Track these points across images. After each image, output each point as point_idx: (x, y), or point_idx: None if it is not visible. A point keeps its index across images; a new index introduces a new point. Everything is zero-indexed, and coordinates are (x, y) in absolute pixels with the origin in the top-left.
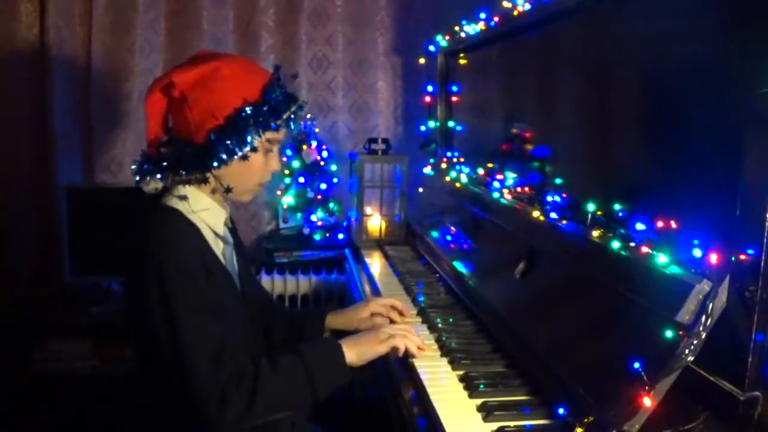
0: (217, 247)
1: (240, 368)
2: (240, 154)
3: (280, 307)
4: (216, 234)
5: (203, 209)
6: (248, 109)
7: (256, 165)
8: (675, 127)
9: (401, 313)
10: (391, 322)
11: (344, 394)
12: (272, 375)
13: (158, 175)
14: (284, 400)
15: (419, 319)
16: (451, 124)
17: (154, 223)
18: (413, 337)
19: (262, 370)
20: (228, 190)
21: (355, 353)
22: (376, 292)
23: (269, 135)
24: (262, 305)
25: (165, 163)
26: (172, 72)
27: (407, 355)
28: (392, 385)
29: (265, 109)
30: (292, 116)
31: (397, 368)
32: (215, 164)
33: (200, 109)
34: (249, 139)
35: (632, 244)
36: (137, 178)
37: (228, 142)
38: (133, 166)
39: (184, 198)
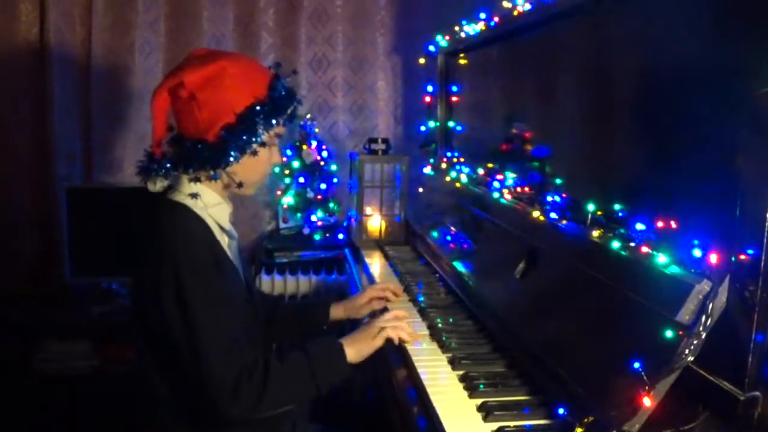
0: (223, 241)
1: (251, 363)
2: (251, 150)
3: (278, 299)
4: (222, 228)
5: (214, 205)
6: (257, 106)
7: (263, 159)
8: (675, 127)
9: (395, 294)
10: (384, 311)
11: (344, 395)
12: (280, 371)
13: (164, 174)
14: (290, 395)
15: (419, 318)
16: (451, 124)
17: (163, 220)
18: (404, 326)
19: (272, 366)
20: (240, 185)
21: (354, 351)
22: None
23: (275, 129)
24: (263, 298)
25: (169, 163)
26: (179, 72)
27: (402, 341)
28: (392, 385)
29: (272, 105)
30: (295, 111)
31: (397, 366)
32: (230, 161)
33: (210, 108)
34: (259, 134)
35: (632, 244)
36: (142, 177)
37: (241, 138)
38: (137, 166)
39: (195, 196)
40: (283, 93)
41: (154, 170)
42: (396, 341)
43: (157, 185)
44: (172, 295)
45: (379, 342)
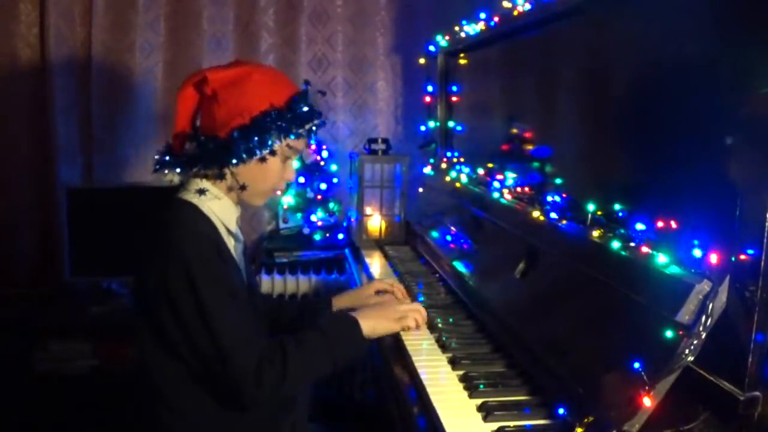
0: (229, 242)
1: (270, 346)
2: (259, 155)
3: (280, 301)
4: (228, 230)
5: (217, 198)
6: (273, 113)
7: (273, 169)
8: (675, 127)
9: (402, 294)
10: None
11: (344, 394)
12: (298, 350)
13: (177, 169)
14: (309, 373)
15: None
16: (451, 124)
17: (171, 217)
18: (422, 313)
19: (289, 348)
20: (243, 187)
21: (370, 326)
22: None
23: (290, 142)
24: (265, 300)
25: (186, 158)
26: (207, 69)
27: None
28: (393, 385)
29: (289, 116)
30: (313, 128)
31: (397, 366)
32: (234, 161)
33: (228, 107)
34: (270, 142)
35: (632, 244)
36: (157, 168)
37: (250, 141)
38: (156, 157)
39: (202, 192)
40: (304, 108)
41: (169, 163)
42: (413, 327)
43: (168, 177)
44: (185, 292)
45: (397, 326)
